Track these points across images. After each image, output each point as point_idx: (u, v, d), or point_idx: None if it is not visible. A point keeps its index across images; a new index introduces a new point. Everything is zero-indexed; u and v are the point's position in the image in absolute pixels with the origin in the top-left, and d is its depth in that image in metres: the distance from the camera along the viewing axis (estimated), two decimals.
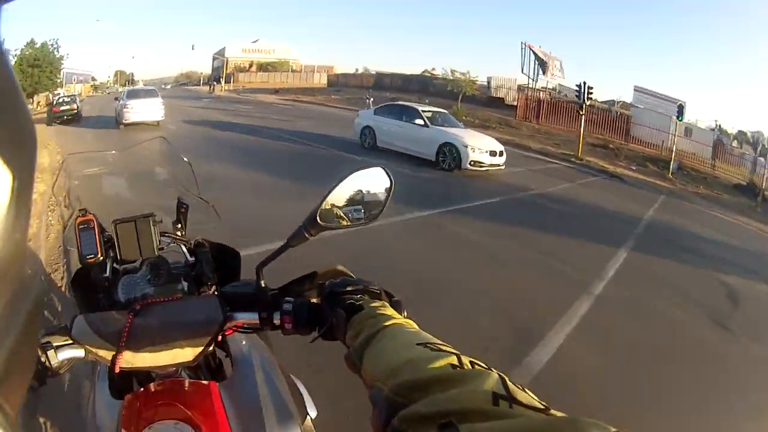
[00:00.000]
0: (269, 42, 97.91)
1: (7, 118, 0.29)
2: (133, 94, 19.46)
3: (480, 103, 33.10)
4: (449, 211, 8.41)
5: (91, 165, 1.69)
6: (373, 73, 60.13)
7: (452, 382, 0.54)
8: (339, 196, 0.97)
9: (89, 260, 1.21)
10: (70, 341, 0.88)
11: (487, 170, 12.44)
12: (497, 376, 0.54)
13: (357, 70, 75.44)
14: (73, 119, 23.89)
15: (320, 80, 78.20)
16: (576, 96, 22.32)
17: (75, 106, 24.18)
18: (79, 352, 0.89)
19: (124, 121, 17.99)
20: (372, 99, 31.42)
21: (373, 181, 1.01)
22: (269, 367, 1.19)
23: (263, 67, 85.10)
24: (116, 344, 0.87)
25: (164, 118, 18.62)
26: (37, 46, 41.57)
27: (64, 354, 0.87)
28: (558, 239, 7.55)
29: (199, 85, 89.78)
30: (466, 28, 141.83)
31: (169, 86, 77.63)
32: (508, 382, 0.53)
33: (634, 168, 19.37)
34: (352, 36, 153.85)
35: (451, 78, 35.27)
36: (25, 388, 0.33)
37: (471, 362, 0.58)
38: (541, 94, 32.00)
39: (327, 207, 0.95)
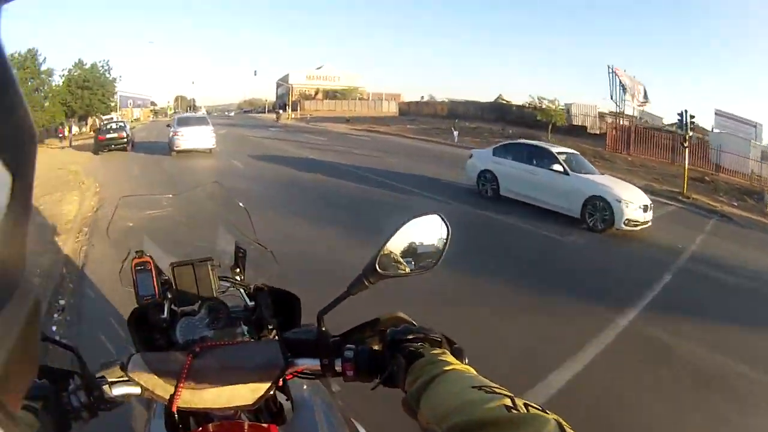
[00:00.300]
0: (334, 68, 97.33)
1: (7, 118, 0.29)
2: (184, 122, 18.96)
3: (561, 132, 29.65)
4: (647, 310, 5.58)
5: (146, 208, 1.67)
6: (445, 100, 56.41)
7: (506, 425, 0.55)
8: (397, 243, 0.95)
9: (146, 301, 1.25)
10: (126, 378, 0.92)
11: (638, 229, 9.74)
12: (554, 421, 0.54)
13: (422, 97, 73.09)
14: (122, 149, 21.18)
15: (389, 108, 75.37)
16: (677, 126, 20.01)
17: (124, 135, 21.42)
18: (134, 389, 0.92)
19: (175, 149, 17.71)
20: (458, 132, 28.12)
21: (430, 228, 0.98)
22: (330, 411, 1.21)
23: (329, 95, 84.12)
24: (174, 384, 0.89)
25: (216, 146, 18.15)
26: (87, 66, 40.05)
27: (118, 390, 0.92)
28: None
29: (264, 112, 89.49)
30: (532, 54, 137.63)
31: (232, 113, 76.80)
32: (566, 427, 0.52)
33: (735, 204, 16.99)
34: (418, 62, 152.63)
35: (540, 106, 30.98)
36: (25, 388, 0.33)
37: (525, 404, 0.58)
38: (623, 121, 29.65)
39: (385, 255, 0.93)
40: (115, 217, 1.53)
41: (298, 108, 57.15)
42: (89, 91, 39.04)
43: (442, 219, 0.99)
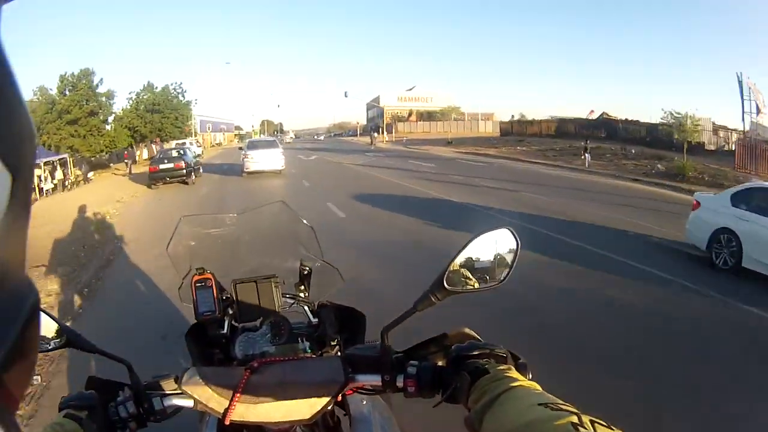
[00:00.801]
0: (425, 89, 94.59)
1: (7, 118, 0.29)
2: (253, 146, 20.09)
3: (677, 149, 24.50)
4: None
5: (208, 227, 1.66)
6: (548, 118, 51.04)
7: None
8: (465, 259, 0.93)
9: (206, 317, 1.25)
10: (178, 390, 0.94)
11: None
12: None
13: (513, 116, 68.52)
14: (181, 181, 17.96)
15: (486, 128, 71.47)
16: None
17: (182, 164, 18.01)
18: (187, 402, 0.95)
19: (245, 170, 18.67)
20: (589, 154, 22.86)
21: (500, 242, 0.95)
22: (387, 426, 1.21)
23: (424, 116, 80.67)
24: (229, 397, 0.89)
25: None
26: (157, 90, 38.68)
27: (170, 401, 0.95)
28: None
29: (355, 135, 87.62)
30: (624, 67, 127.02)
31: (322, 137, 75.44)
32: None
33: None
34: (507, 80, 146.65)
35: (677, 123, 24.81)
36: (25, 389, 0.33)
37: (592, 421, 0.58)
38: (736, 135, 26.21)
39: (454, 270, 0.92)
40: (176, 235, 1.48)
41: (393, 130, 53.77)
42: (160, 114, 38.01)
43: (512, 233, 0.95)
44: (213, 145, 60.96)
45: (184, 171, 17.99)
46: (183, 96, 40.51)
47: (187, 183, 17.99)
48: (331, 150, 35.54)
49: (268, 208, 1.73)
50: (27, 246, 0.33)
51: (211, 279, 1.27)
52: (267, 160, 18.83)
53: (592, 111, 34.98)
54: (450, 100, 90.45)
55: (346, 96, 46.23)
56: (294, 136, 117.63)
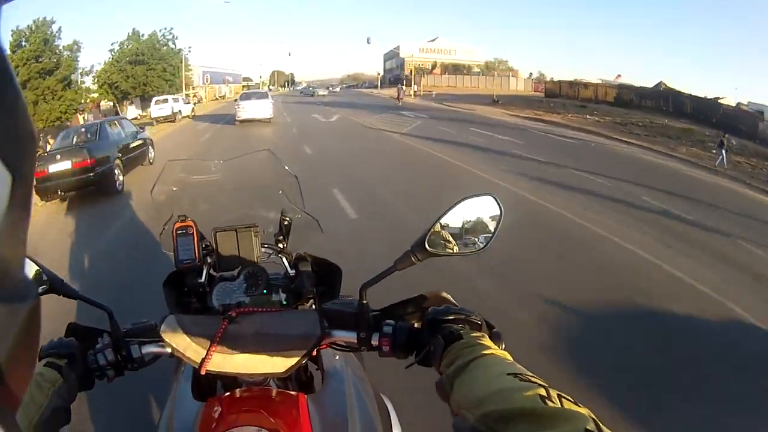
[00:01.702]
0: (449, 41, 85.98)
1: (7, 117, 0.29)
2: (246, 97, 21.75)
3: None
4: None
5: (192, 172, 1.65)
6: (600, 82, 43.82)
7: (540, 419, 0.55)
8: (448, 222, 0.95)
9: (185, 265, 1.23)
10: (157, 338, 0.94)
11: None
12: (590, 418, 0.54)
13: (531, 74, 61.62)
14: (95, 190, 9.22)
15: (517, 86, 63.83)
16: None
17: (90, 161, 9.03)
18: (164, 350, 0.95)
19: (237, 119, 20.11)
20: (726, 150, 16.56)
21: (483, 209, 0.97)
22: (360, 384, 1.20)
23: (447, 69, 72.35)
24: (206, 347, 0.90)
25: (273, 115, 20.31)
26: (144, 38, 31.84)
27: (148, 349, 0.96)
28: None
29: (376, 87, 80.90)
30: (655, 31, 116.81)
31: (338, 88, 67.16)
32: (602, 426, 0.53)
33: None
34: (531, 38, 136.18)
35: None
36: (25, 388, 0.33)
37: (559, 395, 0.59)
38: None
39: (436, 232, 0.93)
40: (160, 179, 1.49)
41: (413, 83, 46.43)
42: (145, 66, 31.60)
43: (496, 200, 0.96)
44: (216, 99, 53.84)
45: (92, 174, 9.07)
46: (174, 44, 33.63)
47: (108, 191, 9.44)
48: (354, 106, 28.79)
49: (254, 156, 1.68)
50: (27, 246, 0.33)
51: (192, 227, 1.24)
52: (258, 109, 20.12)
53: (619, 75, 32.12)
54: (473, 54, 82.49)
55: (368, 42, 39.44)
56: (257, 89, 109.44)
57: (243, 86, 72.08)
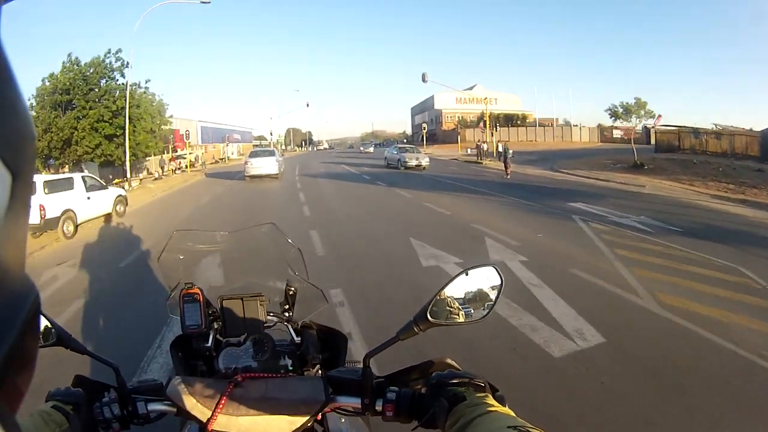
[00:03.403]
0: (488, 88, 76.11)
1: (7, 118, 0.29)
2: (255, 154, 23.21)
3: None
4: None
5: (199, 243, 1.66)
6: (718, 128, 32.56)
7: None
8: (450, 292, 0.98)
9: (192, 330, 1.24)
10: (163, 397, 0.98)
11: None
12: None
13: (599, 125, 52.25)
14: None
15: (581, 137, 53.26)
16: None
17: None
18: (170, 409, 0.98)
19: (246, 174, 21.57)
20: None
21: (484, 279, 1.00)
22: None
23: (498, 121, 61.55)
24: (212, 408, 0.92)
25: (280, 171, 22.26)
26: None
27: (154, 406, 0.99)
28: None
29: (409, 144, 70.61)
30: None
31: (371, 148, 55.91)
32: None
33: None
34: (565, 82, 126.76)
35: None
36: (25, 389, 0.33)
37: None
38: None
39: (438, 303, 0.96)
40: (168, 248, 1.51)
41: (485, 140, 35.34)
42: (74, 111, 21.94)
43: (497, 271, 0.99)
44: (216, 162, 43.96)
45: None
46: (122, 72, 22.93)
47: None
48: (426, 185, 17.25)
49: (259, 229, 1.71)
50: (27, 246, 0.33)
51: (198, 294, 1.26)
52: (265, 166, 21.74)
53: (660, 116, 27.33)
54: (515, 103, 72.53)
55: (424, 81, 28.59)
56: (328, 146, 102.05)
57: (254, 145, 62.49)
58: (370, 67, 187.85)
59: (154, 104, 25.59)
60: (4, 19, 0.30)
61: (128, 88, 21.48)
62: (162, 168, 27.27)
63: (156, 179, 24.10)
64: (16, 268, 0.31)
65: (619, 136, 56.41)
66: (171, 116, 28.60)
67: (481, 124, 58.11)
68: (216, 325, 1.32)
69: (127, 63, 21.96)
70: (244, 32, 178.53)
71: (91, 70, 21.71)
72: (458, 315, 0.98)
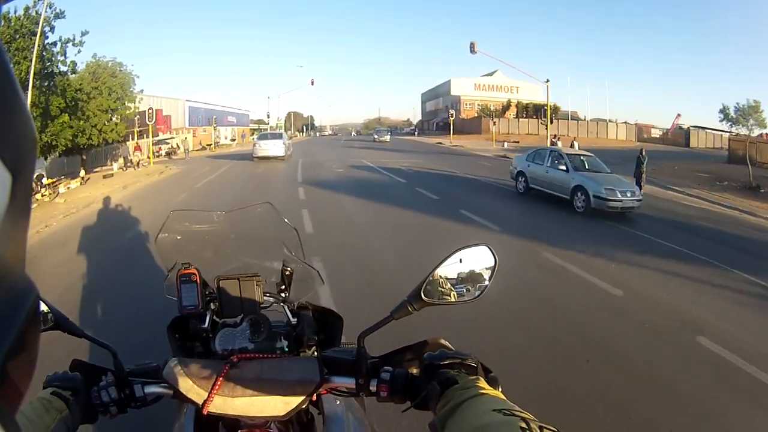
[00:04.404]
0: (509, 76, 69.50)
1: (7, 118, 0.29)
2: (263, 137, 24.65)
3: None
4: None
5: (195, 222, 1.65)
6: None
7: None
8: (444, 272, 0.98)
9: (189, 311, 1.24)
10: (159, 380, 0.98)
11: None
12: None
13: (637, 121, 50.83)
14: None
15: (617, 134, 47.51)
16: None
17: None
18: (167, 391, 0.98)
19: (255, 155, 22.87)
20: None
21: (478, 259, 1.00)
22: (360, 428, 1.24)
23: (525, 110, 55.17)
24: (208, 389, 0.93)
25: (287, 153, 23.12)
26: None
27: (150, 389, 1.00)
28: None
29: (414, 134, 65.72)
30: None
31: (387, 136, 47.49)
32: None
33: None
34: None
35: None
36: (25, 389, 0.33)
37: (541, 427, 0.62)
38: None
39: (432, 282, 0.97)
40: (165, 229, 1.48)
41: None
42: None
43: (491, 250, 0.99)
44: (203, 147, 36.81)
45: None
46: (51, 26, 15.97)
47: None
48: (511, 226, 9.49)
49: (255, 209, 1.67)
50: (27, 245, 0.33)
51: (195, 274, 1.25)
52: (272, 148, 23.00)
53: (679, 115, 27.71)
54: (536, 92, 65.84)
55: (473, 51, 22.31)
56: (333, 132, 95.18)
57: (252, 130, 56.23)
58: (376, 50, 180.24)
59: (116, 76, 19.34)
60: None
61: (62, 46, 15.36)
62: (125, 160, 20.82)
63: (106, 177, 17.66)
64: (16, 267, 0.31)
65: (658, 136, 51.67)
66: (141, 91, 22.20)
67: (506, 112, 51.89)
68: (213, 306, 1.30)
69: (61, 12, 15.49)
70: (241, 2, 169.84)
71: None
72: (450, 295, 0.98)
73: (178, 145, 30.18)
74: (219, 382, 0.92)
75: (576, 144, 20.48)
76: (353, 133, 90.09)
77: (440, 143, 40.10)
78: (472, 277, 0.99)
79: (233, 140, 46.47)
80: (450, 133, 44.13)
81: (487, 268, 0.99)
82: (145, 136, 27.05)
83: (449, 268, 0.97)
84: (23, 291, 0.32)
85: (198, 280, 1.24)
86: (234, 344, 1.24)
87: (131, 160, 20.65)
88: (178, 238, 1.53)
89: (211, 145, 36.83)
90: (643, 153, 14.14)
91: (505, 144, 34.02)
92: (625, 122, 54.61)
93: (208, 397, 0.91)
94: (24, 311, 0.31)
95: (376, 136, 46.43)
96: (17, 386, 0.31)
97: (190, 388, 0.93)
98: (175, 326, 1.31)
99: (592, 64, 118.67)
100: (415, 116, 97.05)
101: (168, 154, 28.32)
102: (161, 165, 21.86)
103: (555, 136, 24.60)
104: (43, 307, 0.97)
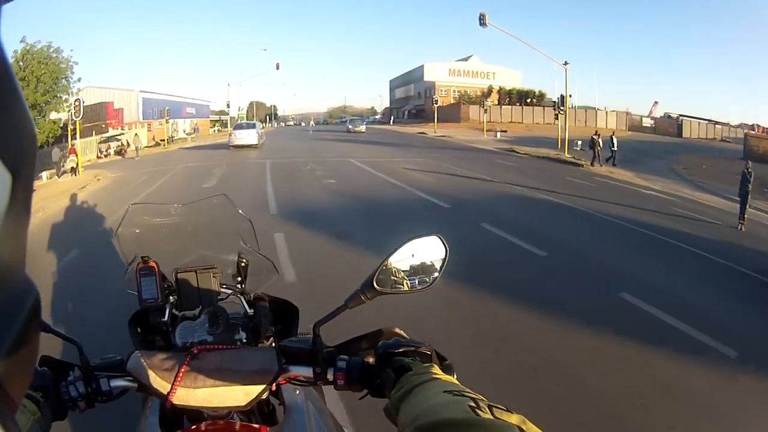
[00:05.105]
0: (486, 61, 66.95)
1: (7, 118, 0.29)
2: (238, 127, 27.35)
3: None
4: None
5: (153, 215, 1.68)
6: None
7: (467, 428, 0.60)
8: (396, 261, 0.99)
9: (148, 304, 1.25)
10: (124, 373, 0.99)
11: None
12: (516, 427, 0.59)
13: (629, 110, 50.93)
14: None
15: (607, 122, 45.63)
16: None
17: None
18: (131, 384, 0.99)
19: (230, 144, 25.14)
20: None
21: (430, 249, 1.01)
22: (320, 416, 1.25)
23: (508, 97, 53.92)
24: (170, 381, 0.94)
25: (260, 142, 25.32)
26: None
27: (116, 383, 0.99)
28: None
29: (389, 122, 63.33)
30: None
31: (363, 126, 42.25)
32: (528, 430, 0.59)
33: None
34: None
35: None
36: (25, 388, 0.33)
37: (490, 406, 0.63)
38: None
39: (384, 272, 0.97)
40: (124, 223, 1.51)
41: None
42: None
43: (442, 240, 1.00)
44: (157, 143, 32.62)
45: None
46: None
47: None
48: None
49: (211, 200, 1.70)
50: (27, 246, 0.33)
51: (154, 267, 1.26)
52: (246, 137, 25.25)
53: (656, 103, 24.92)
54: (514, 78, 63.47)
55: (482, 24, 20.14)
56: (298, 123, 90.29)
57: (212, 122, 51.57)
58: (341, 36, 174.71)
59: (46, 63, 15.65)
60: (4, 19, 0.29)
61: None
62: (57, 164, 16.98)
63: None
64: (16, 267, 0.31)
65: (649, 126, 50.68)
66: (79, 79, 18.41)
67: (487, 100, 49.12)
68: (172, 299, 1.31)
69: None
70: None
71: None
72: (403, 284, 0.99)
73: (128, 142, 26.41)
74: (181, 374, 0.93)
75: (615, 140, 17.94)
76: (312, 122, 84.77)
77: (423, 133, 37.22)
78: (424, 268, 1.00)
79: (191, 133, 42.12)
80: (429, 122, 41.69)
81: (438, 259, 1.00)
82: (94, 133, 25.95)
83: (401, 258, 0.98)
84: (23, 291, 0.32)
85: (157, 273, 1.25)
86: (193, 337, 1.24)
87: (63, 165, 16.87)
88: (137, 231, 1.54)
89: (164, 140, 32.59)
90: (749, 166, 10.89)
91: (498, 134, 31.51)
92: (615, 111, 52.70)
93: (171, 389, 0.92)
94: (24, 311, 0.31)
95: (350, 126, 42.53)
96: (17, 387, 0.31)
97: (153, 380, 0.94)
98: (136, 320, 1.30)
99: (580, 48, 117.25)
100: (382, 104, 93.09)
101: (118, 152, 26.09)
102: (96, 170, 17.59)
103: (596, 133, 20.23)
104: None
